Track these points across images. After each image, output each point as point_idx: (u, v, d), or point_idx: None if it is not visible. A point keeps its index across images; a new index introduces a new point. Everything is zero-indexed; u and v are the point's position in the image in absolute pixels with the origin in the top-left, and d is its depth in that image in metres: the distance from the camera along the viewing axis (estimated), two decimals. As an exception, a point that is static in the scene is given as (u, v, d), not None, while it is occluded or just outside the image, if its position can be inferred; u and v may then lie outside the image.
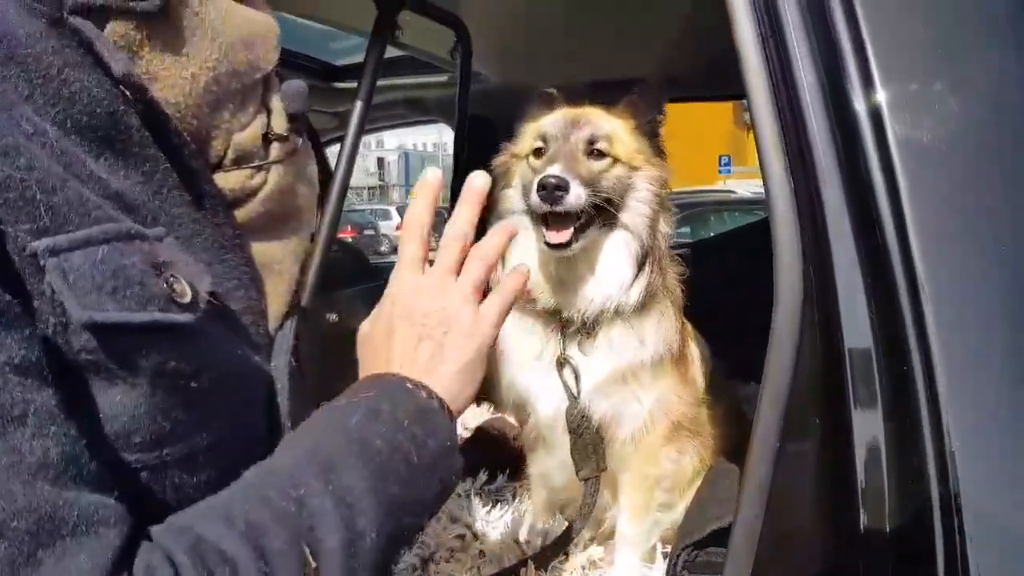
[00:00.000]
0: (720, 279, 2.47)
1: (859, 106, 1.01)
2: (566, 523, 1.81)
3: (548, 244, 1.51)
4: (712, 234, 7.26)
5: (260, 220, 0.72)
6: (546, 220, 1.52)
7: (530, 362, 1.65)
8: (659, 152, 1.68)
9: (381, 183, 39.73)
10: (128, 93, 0.59)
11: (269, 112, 0.72)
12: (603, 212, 1.55)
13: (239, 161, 0.70)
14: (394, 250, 13.97)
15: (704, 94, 3.46)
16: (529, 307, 1.60)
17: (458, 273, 0.79)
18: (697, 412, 1.74)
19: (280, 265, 0.74)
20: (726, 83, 2.87)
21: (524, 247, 1.62)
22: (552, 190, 1.45)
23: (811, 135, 1.02)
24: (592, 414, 1.61)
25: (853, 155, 1.00)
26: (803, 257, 1.01)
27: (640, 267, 1.56)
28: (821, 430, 1.03)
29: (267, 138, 0.71)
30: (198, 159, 0.66)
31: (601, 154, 1.59)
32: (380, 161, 41.65)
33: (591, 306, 1.55)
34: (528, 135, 1.69)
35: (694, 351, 1.80)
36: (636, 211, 1.58)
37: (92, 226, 0.52)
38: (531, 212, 1.58)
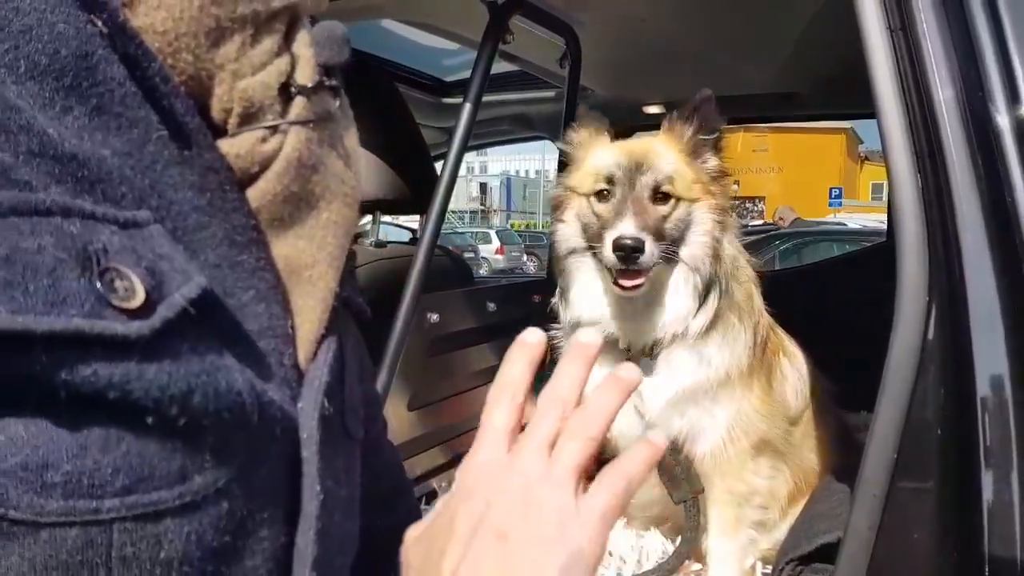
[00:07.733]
0: (829, 305, 2.37)
1: (1002, 122, 0.94)
2: (662, 539, 1.77)
3: (622, 287, 1.53)
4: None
5: (280, 205, 0.54)
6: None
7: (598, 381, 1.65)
8: (721, 173, 1.63)
9: (482, 207, 40.38)
10: (99, 24, 0.44)
11: (295, 60, 0.55)
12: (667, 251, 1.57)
13: (248, 120, 0.52)
14: (493, 273, 13.81)
15: (821, 112, 3.36)
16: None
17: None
18: (784, 432, 1.68)
19: (312, 271, 0.56)
20: (846, 100, 2.78)
21: (582, 282, 1.65)
22: (629, 252, 1.49)
23: (947, 152, 0.96)
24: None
25: (995, 176, 0.94)
26: (929, 282, 0.96)
27: (704, 296, 1.55)
28: (944, 438, 0.96)
29: (287, 90, 0.54)
30: (194, 117, 0.49)
31: (666, 197, 1.58)
32: (482, 186, 42.39)
33: (654, 336, 1.56)
34: (589, 173, 1.66)
35: (787, 369, 1.74)
36: (696, 244, 1.57)
37: None
38: (594, 253, 1.61)
